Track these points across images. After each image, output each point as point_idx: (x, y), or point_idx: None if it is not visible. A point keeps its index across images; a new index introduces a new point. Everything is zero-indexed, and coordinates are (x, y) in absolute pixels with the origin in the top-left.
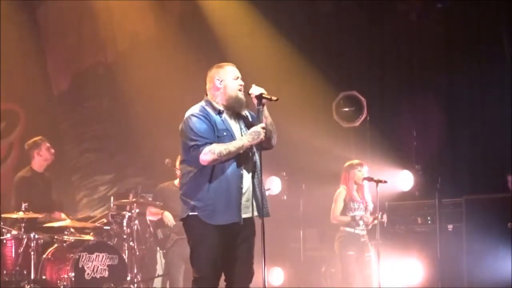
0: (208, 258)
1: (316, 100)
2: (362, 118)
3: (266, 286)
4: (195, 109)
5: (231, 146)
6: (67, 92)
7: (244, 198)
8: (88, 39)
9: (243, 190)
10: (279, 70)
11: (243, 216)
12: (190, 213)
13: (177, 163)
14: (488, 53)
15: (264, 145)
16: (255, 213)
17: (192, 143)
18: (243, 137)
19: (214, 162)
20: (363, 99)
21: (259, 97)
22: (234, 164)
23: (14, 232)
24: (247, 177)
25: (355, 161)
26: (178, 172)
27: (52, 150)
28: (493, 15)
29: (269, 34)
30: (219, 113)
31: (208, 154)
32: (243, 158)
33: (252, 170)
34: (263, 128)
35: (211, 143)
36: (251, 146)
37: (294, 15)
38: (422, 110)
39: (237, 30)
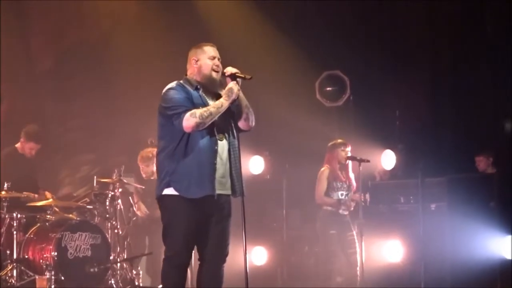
0: (182, 234)
1: (299, 79)
2: (346, 98)
3: (248, 266)
4: (172, 84)
5: (211, 108)
6: (51, 71)
7: (218, 174)
8: (72, 17)
9: (217, 166)
10: (262, 49)
11: (218, 192)
12: (165, 190)
13: None
14: (471, 33)
15: (242, 127)
16: (230, 192)
17: (172, 112)
18: (220, 99)
19: (198, 126)
20: (346, 78)
21: (233, 76)
22: (208, 140)
23: None
24: (222, 154)
25: (339, 141)
26: None
27: (33, 152)
28: None
29: (252, 13)
30: (196, 88)
31: (190, 119)
32: (218, 132)
33: (228, 148)
34: (235, 85)
35: (190, 110)
36: (228, 126)
37: None
38: (405, 90)
39: (220, 9)
